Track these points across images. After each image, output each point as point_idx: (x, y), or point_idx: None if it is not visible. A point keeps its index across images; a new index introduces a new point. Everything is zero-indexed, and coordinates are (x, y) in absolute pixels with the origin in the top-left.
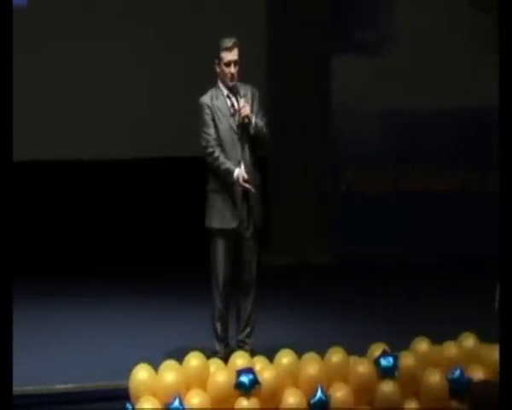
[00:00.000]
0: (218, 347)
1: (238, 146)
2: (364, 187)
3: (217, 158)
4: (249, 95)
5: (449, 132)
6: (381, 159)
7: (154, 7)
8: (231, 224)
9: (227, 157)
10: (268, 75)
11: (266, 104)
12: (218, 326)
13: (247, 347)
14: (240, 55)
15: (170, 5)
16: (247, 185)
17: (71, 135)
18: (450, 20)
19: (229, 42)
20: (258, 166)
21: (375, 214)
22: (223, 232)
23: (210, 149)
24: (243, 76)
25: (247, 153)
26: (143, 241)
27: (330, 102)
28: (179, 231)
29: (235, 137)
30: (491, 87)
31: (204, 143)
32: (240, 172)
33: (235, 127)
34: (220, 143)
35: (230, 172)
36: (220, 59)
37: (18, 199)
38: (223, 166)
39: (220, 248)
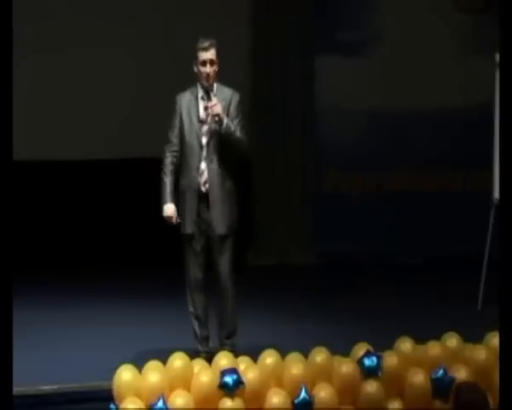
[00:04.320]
0: (199, 347)
1: (201, 153)
2: (348, 187)
3: (164, 173)
4: (227, 98)
5: (433, 133)
6: (366, 159)
7: (139, 8)
8: (187, 230)
9: (186, 162)
10: (252, 75)
11: (250, 104)
12: (196, 326)
13: (228, 347)
14: (218, 56)
15: (153, 6)
16: (169, 222)
17: (68, 136)
18: (435, 21)
19: (205, 42)
20: (228, 172)
21: (360, 214)
22: (188, 235)
23: (166, 156)
24: (227, 75)
25: (215, 160)
26: (128, 241)
27: (314, 103)
28: (165, 232)
29: (198, 145)
30: (475, 88)
31: (166, 144)
32: (167, 208)
33: (201, 134)
34: (182, 147)
35: (162, 197)
36: (197, 59)
37: (17, 199)
38: (162, 181)
39: (189, 249)
